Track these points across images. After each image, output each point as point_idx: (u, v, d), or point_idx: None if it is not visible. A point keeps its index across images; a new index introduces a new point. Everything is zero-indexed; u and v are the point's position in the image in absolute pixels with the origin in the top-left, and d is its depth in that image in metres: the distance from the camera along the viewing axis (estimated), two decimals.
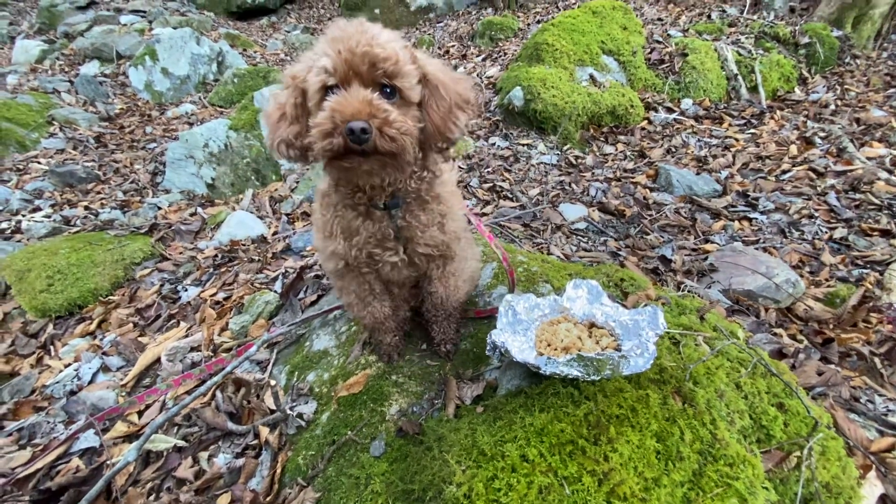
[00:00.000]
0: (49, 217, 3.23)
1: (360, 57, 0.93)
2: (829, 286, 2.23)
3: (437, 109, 1.05)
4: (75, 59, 6.25)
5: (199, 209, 3.40)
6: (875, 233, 2.58)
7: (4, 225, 3.09)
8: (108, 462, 1.61)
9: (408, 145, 0.96)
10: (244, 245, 2.86)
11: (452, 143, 1.12)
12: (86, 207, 3.38)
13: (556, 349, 1.26)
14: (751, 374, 1.33)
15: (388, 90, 0.98)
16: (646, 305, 1.44)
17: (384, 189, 1.15)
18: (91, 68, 5.96)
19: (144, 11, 7.63)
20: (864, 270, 2.32)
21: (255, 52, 7.11)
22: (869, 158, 3.28)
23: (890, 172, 3.08)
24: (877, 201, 2.81)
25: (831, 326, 1.98)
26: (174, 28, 6.32)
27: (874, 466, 1.34)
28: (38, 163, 4.01)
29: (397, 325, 1.56)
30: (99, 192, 3.65)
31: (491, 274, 1.87)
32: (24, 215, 3.24)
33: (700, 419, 1.15)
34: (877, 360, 1.77)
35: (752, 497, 1.03)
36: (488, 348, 1.26)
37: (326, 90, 0.97)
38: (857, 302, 2.04)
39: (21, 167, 3.94)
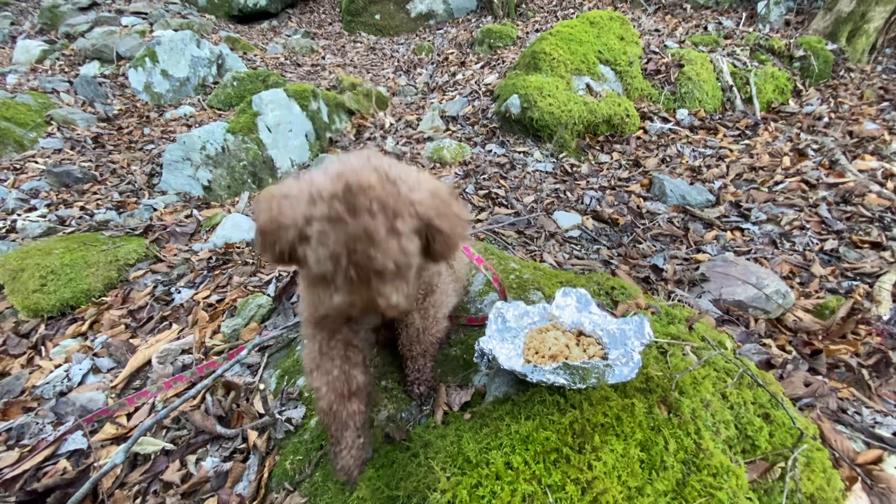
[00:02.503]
0: (44, 217, 3.23)
1: (363, 265, 0.87)
2: (818, 297, 2.25)
3: (441, 245, 1.01)
4: (76, 59, 6.27)
5: (195, 211, 3.40)
6: (865, 245, 2.61)
7: None
8: (95, 464, 1.61)
9: (411, 305, 1.00)
10: (239, 248, 2.86)
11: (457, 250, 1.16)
12: (81, 208, 3.38)
13: (543, 357, 1.27)
14: (737, 385, 1.34)
15: None
16: (634, 314, 1.45)
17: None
18: (91, 69, 5.97)
19: (146, 13, 7.67)
20: (854, 282, 2.34)
21: (255, 55, 7.15)
22: (861, 171, 3.32)
23: (881, 185, 3.11)
24: (868, 214, 2.84)
25: (820, 338, 1.99)
26: (175, 30, 6.35)
27: (860, 478, 1.35)
28: (36, 162, 4.01)
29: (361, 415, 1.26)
30: (95, 193, 3.65)
31: (483, 280, 1.88)
32: (19, 215, 3.24)
33: (685, 429, 1.16)
34: (865, 371, 1.78)
35: None
36: (476, 355, 1.27)
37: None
38: (846, 314, 2.05)
39: (18, 166, 3.94)
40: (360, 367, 1.26)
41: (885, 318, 2.05)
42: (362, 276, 0.87)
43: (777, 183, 3.33)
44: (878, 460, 1.41)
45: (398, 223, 0.88)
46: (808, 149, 3.71)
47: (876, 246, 2.58)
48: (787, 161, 3.58)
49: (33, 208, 3.35)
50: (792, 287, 2.31)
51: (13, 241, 2.93)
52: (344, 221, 0.84)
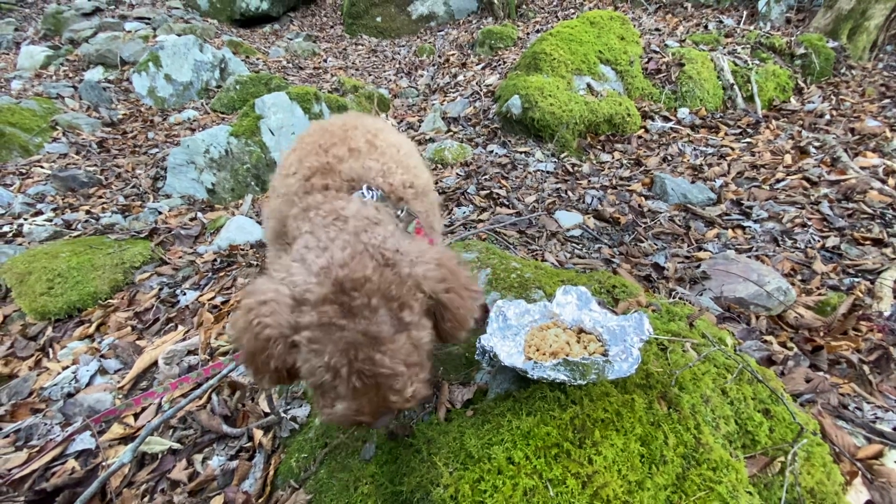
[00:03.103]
0: (50, 221, 3.27)
1: (364, 365, 0.74)
2: (820, 294, 2.25)
3: (451, 323, 0.92)
4: (80, 64, 6.33)
5: (200, 214, 3.43)
6: (867, 242, 2.61)
7: (6, 228, 3.13)
8: (103, 464, 1.63)
9: (429, 389, 0.86)
10: (243, 250, 2.89)
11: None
12: (87, 212, 3.42)
13: (544, 354, 1.28)
14: (737, 381, 1.35)
15: None
16: (634, 312, 1.46)
17: None
18: (95, 74, 6.03)
19: (149, 18, 7.73)
20: (856, 279, 2.34)
21: (257, 59, 7.19)
22: (862, 168, 3.31)
23: (883, 182, 3.11)
24: (869, 211, 2.84)
25: (821, 334, 2.00)
26: (178, 35, 6.40)
27: (860, 473, 1.36)
28: (41, 167, 4.05)
29: None
30: (100, 197, 3.69)
31: (485, 279, 1.90)
32: (25, 219, 3.28)
33: (684, 424, 1.17)
34: (866, 367, 1.79)
35: (735, 501, 1.05)
36: (478, 353, 1.28)
37: None
38: (848, 310, 2.06)
39: (24, 171, 3.99)
40: None
41: (886, 314, 2.05)
42: (368, 383, 0.73)
43: (778, 181, 3.33)
44: (879, 455, 1.42)
45: (405, 315, 0.77)
46: (809, 146, 3.71)
47: (877, 242, 2.58)
48: (788, 159, 3.59)
49: (40, 212, 3.39)
50: (793, 284, 2.31)
51: (20, 244, 2.96)
52: (339, 327, 0.72)
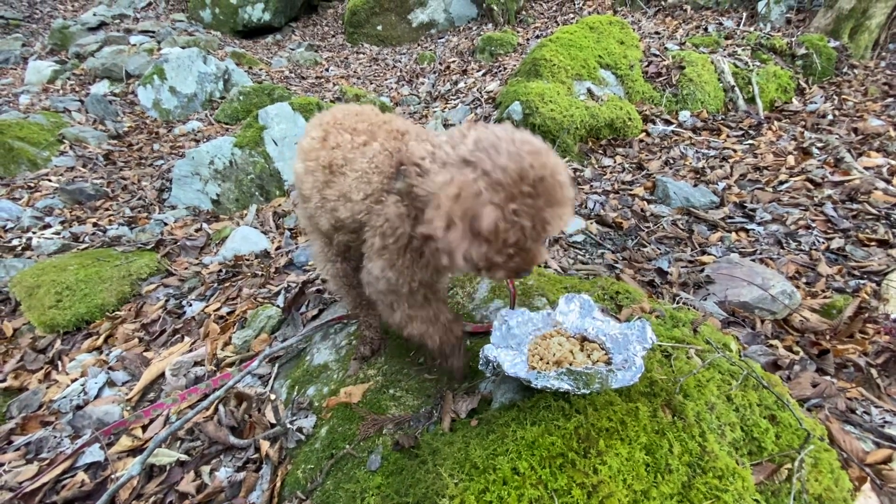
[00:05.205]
0: (58, 234, 3.31)
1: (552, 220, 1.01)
2: (825, 297, 2.24)
3: None
4: (86, 78, 6.42)
5: (205, 225, 3.47)
6: (872, 243, 2.59)
7: (15, 242, 3.17)
8: (112, 476, 1.65)
9: None
10: (248, 260, 2.91)
11: None
12: (94, 224, 3.46)
13: (548, 363, 1.29)
14: (742, 387, 1.35)
15: None
16: (637, 319, 1.47)
17: None
18: (101, 88, 6.12)
19: (153, 32, 7.84)
20: (861, 281, 2.32)
21: (260, 69, 7.27)
22: (866, 168, 3.30)
23: (887, 182, 3.09)
24: (874, 211, 2.83)
25: (827, 337, 1.99)
26: (182, 48, 6.48)
27: (869, 479, 1.35)
28: (49, 180, 4.11)
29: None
30: (107, 209, 3.74)
31: (487, 287, 1.91)
32: (34, 232, 3.32)
33: (689, 432, 1.17)
34: (873, 371, 1.77)
35: None
36: (481, 363, 1.29)
37: None
38: (854, 313, 2.05)
39: (32, 185, 4.05)
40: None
41: (893, 316, 2.03)
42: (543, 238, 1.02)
43: (782, 182, 3.32)
44: (888, 460, 1.41)
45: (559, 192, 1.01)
46: (812, 147, 3.69)
47: (883, 244, 2.57)
48: (791, 160, 3.57)
49: (48, 226, 3.44)
50: (798, 287, 2.30)
51: (29, 258, 3.00)
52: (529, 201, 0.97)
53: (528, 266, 1.07)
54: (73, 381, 2.14)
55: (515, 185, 0.96)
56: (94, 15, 8.33)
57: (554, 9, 7.84)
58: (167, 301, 2.61)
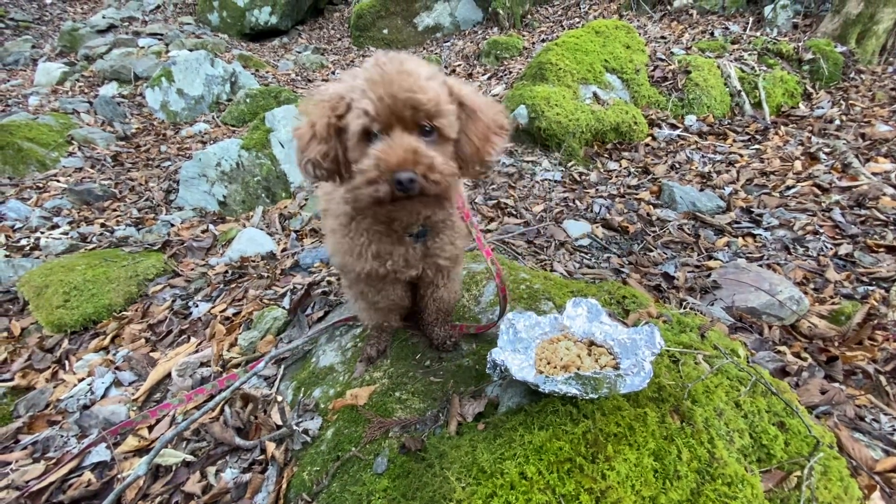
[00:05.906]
0: (66, 234, 3.33)
1: (402, 102, 0.95)
2: (833, 303, 2.23)
3: (475, 135, 1.09)
4: (95, 80, 6.48)
5: (211, 226, 3.48)
6: (881, 249, 2.58)
7: (24, 242, 3.20)
8: (118, 476, 1.65)
9: (451, 185, 1.01)
10: (254, 261, 2.92)
11: (489, 168, 1.18)
12: (102, 225, 3.48)
13: (555, 367, 1.28)
14: (750, 393, 1.34)
15: (428, 128, 1.02)
16: (645, 324, 1.46)
17: (418, 220, 1.25)
18: (110, 89, 6.17)
19: (161, 34, 7.91)
20: (870, 287, 2.31)
21: (266, 72, 7.31)
22: (874, 174, 3.28)
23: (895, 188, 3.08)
24: (882, 217, 2.81)
25: (836, 344, 1.97)
26: (190, 50, 6.53)
27: (879, 487, 1.33)
28: (58, 181, 4.14)
29: (390, 329, 1.75)
30: (115, 210, 3.76)
31: (494, 291, 1.91)
32: (42, 232, 3.35)
33: (698, 438, 1.16)
34: (882, 378, 1.76)
35: None
36: (489, 366, 1.29)
37: (368, 133, 1.01)
38: (862, 319, 2.03)
39: (41, 185, 4.08)
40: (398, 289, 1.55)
41: None
42: (405, 116, 0.96)
43: (789, 187, 3.31)
44: None
45: (434, 72, 1.02)
46: (819, 152, 3.68)
47: (891, 250, 2.55)
48: (798, 165, 3.56)
49: (56, 226, 3.46)
50: (806, 293, 2.29)
51: (37, 258, 3.03)
52: (386, 76, 0.96)
53: (389, 161, 0.94)
54: (80, 380, 2.15)
55: (360, 85, 0.98)
56: (104, 17, 8.41)
57: (559, 13, 7.85)
58: (174, 302, 2.62)
